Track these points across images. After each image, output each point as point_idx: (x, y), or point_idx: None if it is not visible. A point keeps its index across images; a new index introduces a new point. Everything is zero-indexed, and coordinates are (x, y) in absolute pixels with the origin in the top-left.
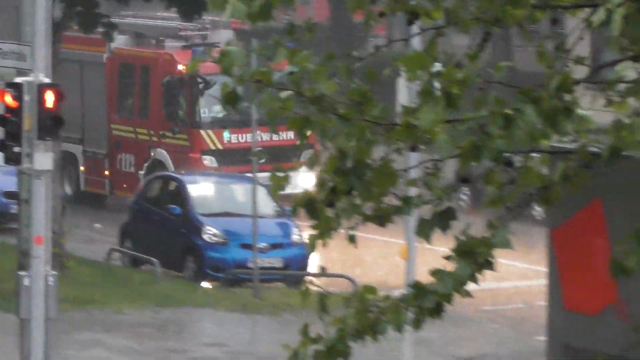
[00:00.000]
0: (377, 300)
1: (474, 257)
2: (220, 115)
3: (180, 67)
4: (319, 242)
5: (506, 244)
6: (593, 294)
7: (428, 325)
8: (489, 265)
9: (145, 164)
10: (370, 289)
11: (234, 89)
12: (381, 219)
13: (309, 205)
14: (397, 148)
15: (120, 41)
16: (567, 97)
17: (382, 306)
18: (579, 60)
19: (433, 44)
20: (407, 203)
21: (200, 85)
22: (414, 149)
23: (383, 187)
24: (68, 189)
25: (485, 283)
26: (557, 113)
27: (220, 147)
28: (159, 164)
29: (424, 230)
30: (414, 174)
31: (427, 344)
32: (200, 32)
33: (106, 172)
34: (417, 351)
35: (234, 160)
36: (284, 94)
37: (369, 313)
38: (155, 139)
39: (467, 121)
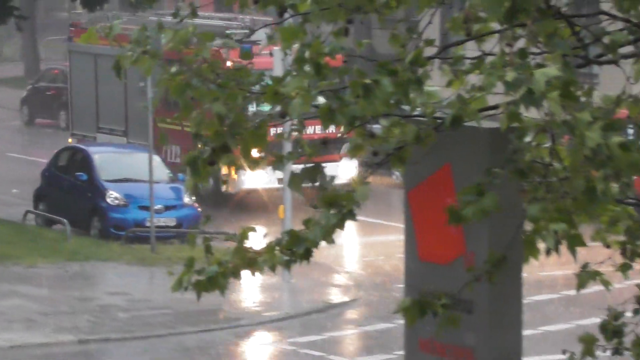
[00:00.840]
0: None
1: (338, 208)
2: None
3: (228, 63)
4: (194, 187)
5: (365, 197)
6: (445, 246)
7: (302, 274)
8: (351, 215)
9: None
10: (250, 229)
11: (119, 60)
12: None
13: (192, 164)
14: (269, 113)
15: None
16: (420, 70)
17: (259, 249)
18: (428, 42)
19: (302, 26)
20: (280, 159)
21: None
22: (282, 115)
23: (257, 146)
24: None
25: (351, 238)
26: (410, 84)
27: None
28: None
29: (295, 183)
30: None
31: (301, 291)
32: (245, 31)
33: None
34: (292, 297)
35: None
36: (173, 67)
37: (247, 253)
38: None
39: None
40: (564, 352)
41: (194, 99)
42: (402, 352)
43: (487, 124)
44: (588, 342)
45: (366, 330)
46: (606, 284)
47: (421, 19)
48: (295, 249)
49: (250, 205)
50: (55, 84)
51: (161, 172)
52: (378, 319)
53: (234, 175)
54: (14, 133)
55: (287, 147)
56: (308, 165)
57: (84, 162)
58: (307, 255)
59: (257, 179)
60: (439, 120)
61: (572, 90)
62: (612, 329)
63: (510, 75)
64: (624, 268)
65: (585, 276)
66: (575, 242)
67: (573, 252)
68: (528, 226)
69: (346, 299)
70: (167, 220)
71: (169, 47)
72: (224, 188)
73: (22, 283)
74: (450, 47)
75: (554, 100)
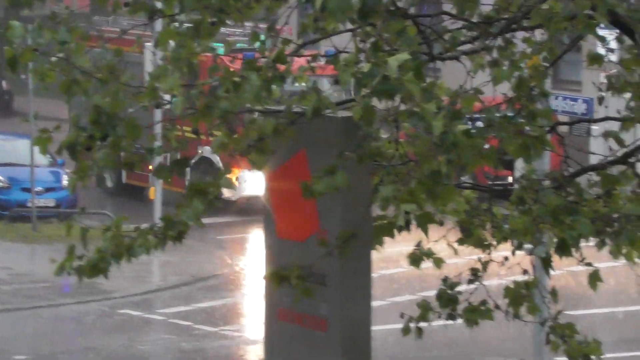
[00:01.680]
0: (129, 229)
1: (205, 194)
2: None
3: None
4: (78, 183)
5: (229, 185)
6: (300, 225)
7: (171, 250)
8: (217, 201)
9: (193, 161)
10: (123, 218)
11: (14, 56)
12: (130, 165)
13: (71, 147)
14: (144, 105)
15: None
16: (282, 67)
17: (134, 234)
18: (285, 41)
19: (170, 28)
20: (151, 152)
21: None
22: (157, 106)
23: (130, 137)
24: (109, 182)
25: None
26: (274, 80)
27: None
28: (205, 161)
29: (162, 174)
30: (157, 128)
31: (170, 266)
32: (247, 38)
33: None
34: (163, 271)
35: None
36: (53, 59)
37: (123, 239)
38: (202, 137)
39: (202, 86)
40: (401, 315)
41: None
42: (262, 321)
43: (341, 113)
44: (424, 308)
45: (230, 300)
46: (437, 262)
47: (279, 18)
48: (169, 232)
49: (249, 212)
50: None
51: (41, 157)
52: (242, 292)
53: (234, 182)
54: None
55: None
56: (176, 157)
57: None
58: (179, 237)
59: (257, 186)
60: (297, 113)
61: (422, 73)
62: (446, 298)
63: (366, 66)
64: (460, 243)
65: (419, 254)
66: (424, 220)
67: (424, 229)
68: (379, 209)
69: (211, 273)
70: (47, 201)
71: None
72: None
73: None
74: (307, 45)
75: (409, 81)
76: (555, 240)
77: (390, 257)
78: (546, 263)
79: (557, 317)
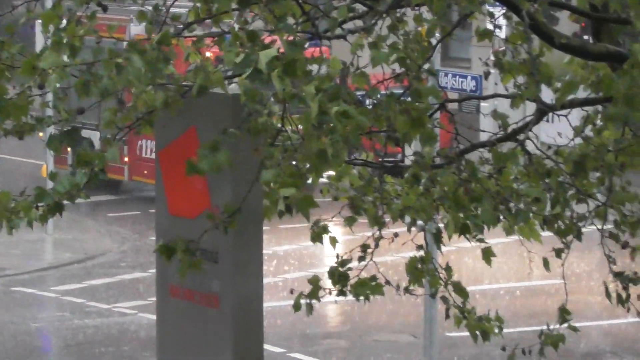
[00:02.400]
0: (11, 201)
1: (90, 166)
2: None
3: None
4: None
5: (114, 158)
6: (191, 202)
7: (64, 228)
8: (102, 174)
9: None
10: (5, 194)
11: None
12: (20, 134)
13: None
14: (22, 84)
15: (139, 29)
16: (167, 49)
17: (16, 206)
18: (175, 17)
19: (59, 5)
20: (40, 122)
21: None
22: (41, 86)
23: (19, 114)
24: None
25: (111, 195)
26: (158, 61)
27: None
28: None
29: (54, 144)
30: (48, 98)
31: (62, 244)
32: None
33: (125, 159)
34: (56, 249)
35: None
36: None
37: (5, 212)
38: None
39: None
40: (291, 291)
41: None
42: (154, 299)
43: (230, 90)
44: (314, 284)
45: (123, 278)
46: (333, 241)
47: None
48: (45, 203)
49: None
50: None
51: None
52: (134, 269)
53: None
54: None
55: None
56: (66, 129)
57: None
58: (57, 208)
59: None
60: (186, 87)
61: (295, 67)
62: (338, 274)
63: (239, 57)
64: (350, 221)
65: (318, 231)
66: (305, 204)
67: (305, 213)
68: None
69: (103, 251)
70: None
71: None
72: None
73: None
74: (192, 25)
75: (275, 77)
76: (453, 223)
77: (282, 233)
78: (437, 239)
79: (449, 290)
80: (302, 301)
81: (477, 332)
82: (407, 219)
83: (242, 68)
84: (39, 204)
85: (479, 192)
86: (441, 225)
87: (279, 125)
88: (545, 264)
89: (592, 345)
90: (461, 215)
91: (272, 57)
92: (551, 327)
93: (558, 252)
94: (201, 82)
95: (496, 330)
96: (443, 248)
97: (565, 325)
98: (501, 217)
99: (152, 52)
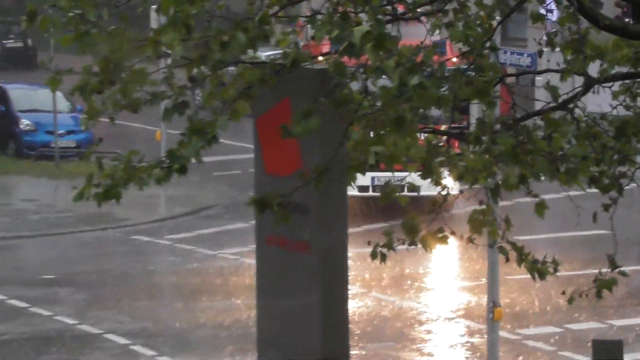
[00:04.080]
0: (139, 160)
1: (204, 134)
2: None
3: None
4: (89, 122)
5: (224, 127)
6: (285, 162)
7: (175, 185)
8: (214, 140)
9: None
10: (135, 152)
11: (33, 10)
12: (134, 107)
13: (82, 90)
14: (147, 56)
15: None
16: (266, 27)
17: (146, 166)
18: (271, 4)
19: None
20: (154, 96)
21: None
22: (159, 57)
23: (136, 83)
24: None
25: (216, 156)
26: (258, 38)
27: None
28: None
29: (167, 117)
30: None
31: (175, 198)
32: None
33: None
34: (169, 203)
35: None
36: (71, 14)
37: (133, 170)
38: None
39: (196, 39)
40: (368, 242)
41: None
42: (254, 246)
43: (318, 65)
44: (388, 236)
45: (226, 228)
46: (403, 200)
47: None
48: (174, 165)
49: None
50: None
51: (63, 104)
52: (236, 220)
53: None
54: None
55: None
56: (177, 104)
57: (2, 96)
58: (182, 170)
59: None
60: (280, 65)
61: (384, 41)
62: (409, 226)
63: (334, 32)
64: (422, 177)
65: (390, 191)
66: (392, 160)
67: (390, 168)
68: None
69: (210, 205)
70: (68, 142)
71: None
72: None
73: None
74: (288, 6)
75: (368, 49)
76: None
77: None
78: (494, 194)
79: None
80: (379, 250)
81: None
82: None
83: (337, 42)
84: (163, 166)
85: (535, 149)
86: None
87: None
88: (594, 216)
89: (633, 286)
90: (521, 166)
91: (365, 32)
92: (603, 271)
93: (606, 207)
94: (294, 57)
95: (551, 271)
96: (501, 204)
97: (616, 270)
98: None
99: (254, 30)
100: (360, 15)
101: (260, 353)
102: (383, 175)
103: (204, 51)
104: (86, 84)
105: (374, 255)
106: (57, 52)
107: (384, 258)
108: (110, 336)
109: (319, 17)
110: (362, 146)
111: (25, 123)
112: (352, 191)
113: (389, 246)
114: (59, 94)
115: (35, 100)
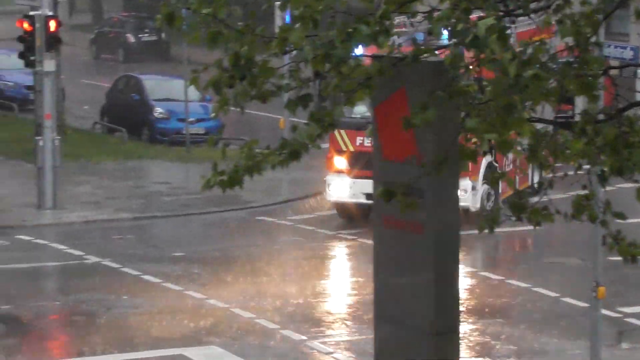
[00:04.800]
0: (259, 148)
1: (322, 121)
2: (355, 116)
3: None
4: (220, 111)
5: (341, 115)
6: (401, 147)
7: (298, 169)
8: (332, 127)
9: None
10: (255, 141)
11: (170, 12)
12: (262, 98)
13: (215, 85)
14: (275, 52)
15: None
16: (387, 22)
17: (264, 152)
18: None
19: None
20: (280, 88)
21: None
22: (285, 53)
23: (265, 77)
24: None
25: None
26: (380, 33)
27: (351, 149)
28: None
29: (291, 107)
30: (285, 69)
31: (297, 182)
32: None
33: None
34: (291, 187)
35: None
36: (204, 12)
37: (255, 157)
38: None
39: (322, 37)
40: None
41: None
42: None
43: (432, 58)
44: (496, 212)
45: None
46: (510, 182)
47: None
48: (287, 151)
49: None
50: (114, 29)
51: (194, 93)
52: None
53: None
54: (85, 65)
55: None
56: (301, 96)
57: (137, 86)
58: (296, 155)
59: (342, 191)
60: (397, 58)
61: (506, 35)
62: (517, 204)
63: (459, 25)
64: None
65: (497, 176)
66: (505, 147)
67: (504, 154)
68: (464, 139)
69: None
70: (198, 129)
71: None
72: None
73: (92, 175)
74: (408, 3)
75: (493, 41)
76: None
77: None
78: (602, 180)
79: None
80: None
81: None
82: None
83: (461, 35)
84: (279, 152)
85: (635, 141)
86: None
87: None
88: None
89: None
90: (618, 159)
91: (489, 25)
92: None
93: None
94: (415, 51)
95: None
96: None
97: None
98: None
99: (375, 24)
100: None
101: (377, 328)
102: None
103: (328, 48)
104: (219, 80)
105: (481, 228)
106: (190, 45)
107: (492, 231)
108: (237, 311)
109: (437, 13)
110: (476, 134)
111: (158, 111)
112: (360, 199)
113: (496, 221)
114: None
115: (168, 90)
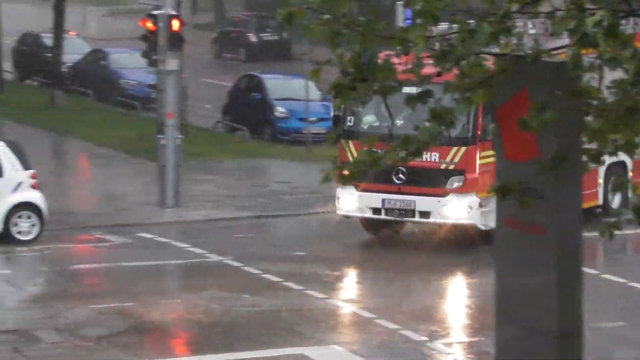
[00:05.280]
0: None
1: (442, 119)
2: (366, 126)
3: None
4: (342, 107)
5: (463, 109)
6: (523, 148)
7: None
8: (452, 124)
9: None
10: (375, 137)
11: (290, 12)
12: (384, 94)
13: (338, 88)
14: (397, 52)
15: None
16: (508, 22)
17: (383, 150)
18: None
19: None
20: (401, 85)
21: None
22: (406, 53)
23: (386, 76)
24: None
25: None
26: (501, 32)
27: None
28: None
29: (411, 103)
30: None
31: None
32: None
33: None
34: None
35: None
36: (325, 16)
37: (374, 154)
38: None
39: (441, 36)
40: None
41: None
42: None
43: (553, 59)
44: (617, 216)
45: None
46: (635, 189)
47: None
48: (409, 148)
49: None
50: (236, 28)
51: (315, 93)
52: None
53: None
54: (207, 64)
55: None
56: (421, 92)
57: (259, 85)
58: (418, 153)
59: (350, 205)
60: (518, 57)
61: (616, 31)
62: (638, 209)
63: (571, 24)
64: None
65: (621, 182)
66: (630, 147)
67: (631, 155)
68: (586, 140)
69: None
70: (319, 129)
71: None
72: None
73: (213, 174)
74: (529, 4)
75: (600, 37)
76: None
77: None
78: None
79: None
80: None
81: None
82: None
83: (574, 34)
84: (403, 149)
85: None
86: None
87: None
88: None
89: None
90: None
91: (596, 21)
92: None
93: None
94: (535, 52)
95: None
96: None
97: None
98: None
99: (497, 23)
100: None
101: (498, 329)
102: (393, 198)
103: (447, 46)
104: (341, 84)
105: (602, 233)
106: (311, 44)
107: (611, 236)
108: (358, 310)
109: (559, 13)
110: (600, 135)
111: (279, 110)
112: (366, 213)
113: (617, 226)
114: (311, 83)
115: (289, 89)
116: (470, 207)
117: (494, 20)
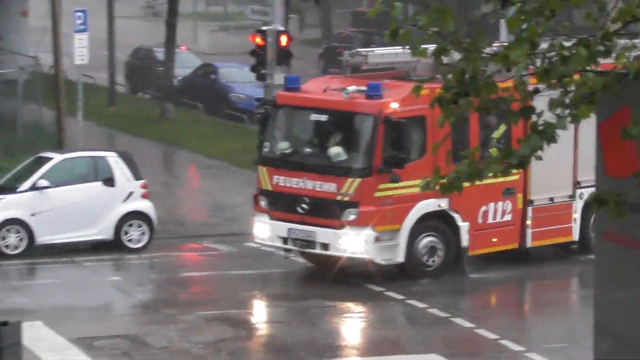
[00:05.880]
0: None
1: (543, 134)
2: (279, 153)
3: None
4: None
5: (563, 127)
6: (624, 164)
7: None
8: (553, 139)
9: None
10: (477, 149)
11: (396, 29)
12: (486, 110)
13: (441, 101)
14: (498, 70)
15: None
16: (608, 43)
17: (486, 161)
18: (614, 20)
19: (520, 12)
20: (503, 100)
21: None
22: (508, 70)
23: (487, 92)
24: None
25: None
26: (600, 53)
27: (270, 188)
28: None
29: (512, 119)
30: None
31: None
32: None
33: None
34: None
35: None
36: (429, 32)
37: (476, 165)
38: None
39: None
40: None
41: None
42: None
43: None
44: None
45: None
46: None
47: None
48: (510, 161)
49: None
50: (342, 44)
51: None
52: None
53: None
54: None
55: None
56: (524, 108)
57: None
58: (521, 165)
59: (263, 233)
60: (622, 74)
61: None
62: None
63: None
64: None
65: None
66: None
67: None
68: None
69: None
70: None
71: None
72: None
73: None
74: (630, 23)
75: None
76: None
77: None
78: None
79: None
80: None
81: None
82: None
83: None
84: (502, 161)
85: None
86: None
87: None
88: None
89: None
90: None
91: None
92: None
93: None
94: (637, 70)
95: None
96: None
97: None
98: None
99: (595, 45)
100: None
101: (597, 341)
102: (297, 228)
103: (548, 65)
104: (444, 97)
105: None
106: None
107: None
108: (482, 331)
109: None
110: None
111: None
112: (276, 242)
113: None
114: None
115: None
116: (366, 241)
117: (592, 42)
